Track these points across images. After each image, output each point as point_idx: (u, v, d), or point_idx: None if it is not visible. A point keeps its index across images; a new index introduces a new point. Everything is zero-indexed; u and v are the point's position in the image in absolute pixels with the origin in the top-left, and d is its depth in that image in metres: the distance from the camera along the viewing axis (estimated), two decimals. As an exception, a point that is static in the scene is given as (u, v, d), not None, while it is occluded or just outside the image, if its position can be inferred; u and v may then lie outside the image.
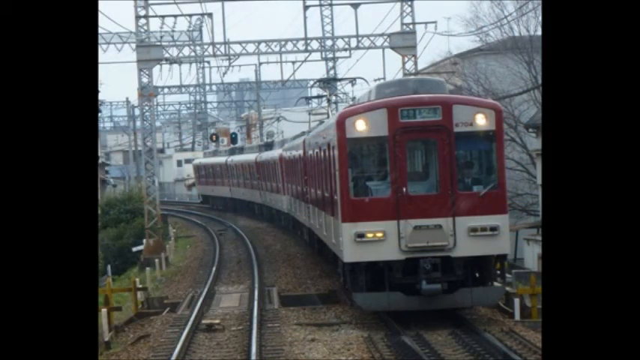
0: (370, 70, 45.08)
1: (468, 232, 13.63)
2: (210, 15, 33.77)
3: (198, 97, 67.60)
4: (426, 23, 32.59)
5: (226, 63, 37.01)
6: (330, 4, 41.14)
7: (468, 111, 14.15)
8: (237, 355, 12.62)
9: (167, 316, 16.76)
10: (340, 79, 35.77)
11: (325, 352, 12.38)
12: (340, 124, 14.37)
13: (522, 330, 13.35)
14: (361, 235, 13.70)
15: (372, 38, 32.52)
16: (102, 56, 36.28)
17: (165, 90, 56.67)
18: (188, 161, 79.00)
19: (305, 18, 34.59)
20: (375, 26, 34.98)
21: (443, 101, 14.30)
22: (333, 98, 33.74)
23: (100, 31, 28.85)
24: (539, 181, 28.12)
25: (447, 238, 13.60)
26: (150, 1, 32.13)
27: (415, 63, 32.38)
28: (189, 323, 14.53)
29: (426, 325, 13.74)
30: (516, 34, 38.69)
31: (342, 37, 34.60)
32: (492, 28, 38.82)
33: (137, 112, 49.20)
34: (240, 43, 32.95)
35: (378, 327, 14.23)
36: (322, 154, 17.39)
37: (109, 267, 31.05)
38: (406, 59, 31.76)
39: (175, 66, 43.39)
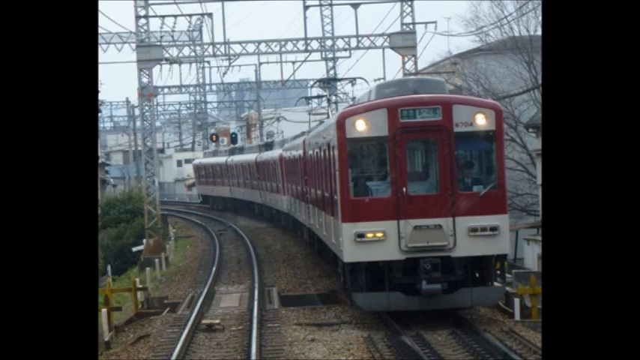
0: (370, 70, 45.07)
1: (467, 232, 13.63)
2: (210, 15, 33.77)
3: (198, 97, 67.57)
4: (426, 23, 32.61)
5: (226, 63, 37.03)
6: (330, 4, 41.16)
7: (468, 111, 14.15)
8: (237, 355, 12.62)
9: (167, 316, 16.75)
10: (340, 79, 35.80)
11: (325, 352, 12.37)
12: (340, 124, 14.37)
13: (522, 330, 13.35)
14: (361, 235, 13.70)
15: (372, 38, 32.52)
16: (102, 56, 36.34)
17: (165, 90, 56.67)
18: (188, 161, 79.08)
19: (305, 18, 34.65)
20: (375, 26, 35.02)
21: (443, 101, 14.31)
22: (333, 98, 33.77)
23: (100, 31, 28.92)
24: (539, 181, 28.15)
25: (447, 238, 13.60)
26: (150, 1, 32.14)
27: (415, 63, 32.39)
28: (189, 323, 14.52)
29: (426, 325, 13.74)
30: (516, 34, 38.68)
31: (342, 37, 34.61)
32: (492, 28, 38.82)
33: (137, 112, 49.22)
34: (240, 43, 32.96)
35: (378, 327, 14.23)
36: (322, 154, 17.39)
37: (109, 267, 31.04)
38: (406, 59, 31.77)
39: (175, 66, 43.43)
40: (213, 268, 23.80)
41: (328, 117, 24.09)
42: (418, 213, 13.73)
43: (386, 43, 32.14)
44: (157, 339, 14.36)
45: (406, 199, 13.72)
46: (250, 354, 11.80)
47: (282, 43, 33.25)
